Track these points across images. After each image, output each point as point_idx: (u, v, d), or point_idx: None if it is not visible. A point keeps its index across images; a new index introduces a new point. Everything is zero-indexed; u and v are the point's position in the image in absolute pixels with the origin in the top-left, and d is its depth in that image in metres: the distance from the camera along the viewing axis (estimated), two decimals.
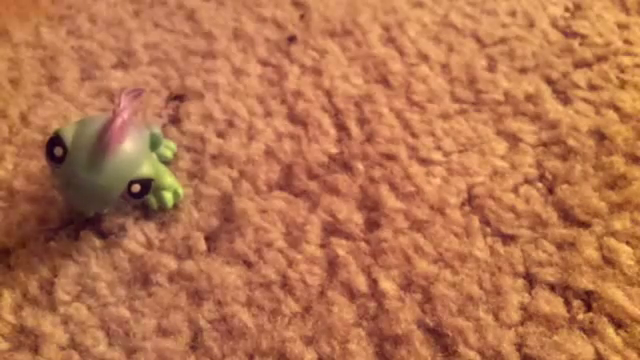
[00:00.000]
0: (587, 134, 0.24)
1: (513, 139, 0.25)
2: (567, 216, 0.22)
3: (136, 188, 0.19)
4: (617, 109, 0.25)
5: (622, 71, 0.27)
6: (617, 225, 0.21)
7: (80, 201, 0.19)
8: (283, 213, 0.22)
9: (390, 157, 0.24)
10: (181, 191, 0.22)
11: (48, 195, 0.23)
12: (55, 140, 0.19)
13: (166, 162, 0.24)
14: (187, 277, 0.20)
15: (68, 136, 0.19)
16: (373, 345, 0.19)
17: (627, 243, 0.21)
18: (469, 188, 0.23)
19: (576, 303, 0.19)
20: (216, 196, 0.23)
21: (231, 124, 0.25)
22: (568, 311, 0.19)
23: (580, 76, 0.27)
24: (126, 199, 0.19)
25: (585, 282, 0.20)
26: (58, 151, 0.19)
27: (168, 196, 0.22)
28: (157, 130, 0.23)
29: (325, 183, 0.23)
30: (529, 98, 0.26)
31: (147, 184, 0.19)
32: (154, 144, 0.23)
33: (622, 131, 0.24)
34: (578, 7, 0.30)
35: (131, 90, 0.23)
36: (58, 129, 0.19)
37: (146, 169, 0.19)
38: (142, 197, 0.20)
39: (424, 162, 0.24)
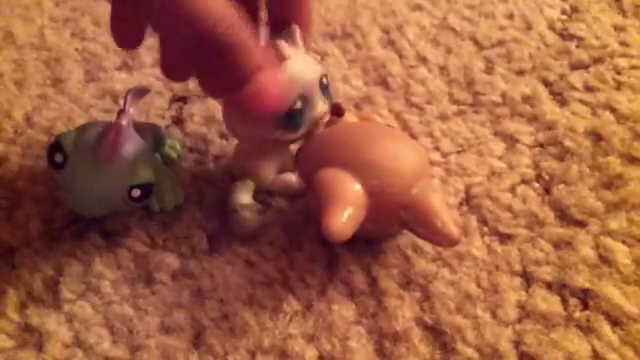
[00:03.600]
0: (583, 135, 0.25)
1: (510, 140, 0.25)
2: (564, 216, 0.22)
3: (136, 193, 0.19)
4: (613, 110, 0.26)
5: (618, 73, 0.27)
6: (613, 224, 0.21)
7: (80, 206, 0.20)
8: (284, 213, 0.22)
9: None
10: (183, 193, 0.23)
11: (52, 195, 0.23)
12: (55, 146, 0.19)
13: (170, 163, 0.24)
14: (190, 276, 0.21)
15: (68, 142, 0.19)
16: (373, 342, 0.19)
17: (623, 242, 0.21)
18: (467, 188, 0.23)
19: (573, 301, 0.19)
20: (218, 196, 0.23)
21: None
22: (565, 309, 0.19)
23: (577, 78, 0.27)
24: (127, 204, 0.20)
25: (582, 280, 0.20)
26: (58, 157, 0.19)
27: (170, 198, 0.22)
28: (161, 131, 0.24)
29: None
30: (526, 99, 0.26)
31: (147, 189, 0.20)
32: (158, 145, 0.23)
33: (618, 132, 0.24)
34: (575, 10, 0.31)
35: (136, 89, 0.23)
36: (59, 135, 0.20)
37: (146, 174, 0.20)
38: (142, 201, 0.20)
39: None
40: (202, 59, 0.17)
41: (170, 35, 0.17)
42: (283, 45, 0.19)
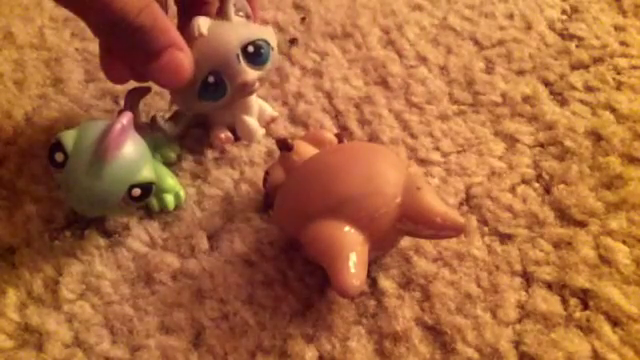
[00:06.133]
0: (584, 135, 0.25)
1: (510, 140, 0.25)
2: (564, 216, 0.22)
3: (137, 192, 0.19)
4: (613, 110, 0.26)
5: (618, 73, 0.27)
6: (613, 224, 0.21)
7: (81, 205, 0.20)
8: None
9: None
10: (183, 193, 0.23)
11: (52, 195, 0.23)
12: (56, 146, 0.19)
13: (170, 163, 0.24)
14: (190, 276, 0.21)
15: (69, 142, 0.19)
16: (373, 342, 0.19)
17: (623, 242, 0.21)
18: (467, 188, 0.23)
19: (573, 301, 0.19)
20: (218, 196, 0.23)
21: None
22: (565, 309, 0.19)
23: (577, 78, 0.27)
24: (127, 203, 0.20)
25: (582, 281, 0.20)
26: (59, 157, 0.19)
27: (169, 199, 0.22)
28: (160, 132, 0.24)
29: None
30: (526, 99, 0.26)
31: (148, 188, 0.20)
32: (157, 146, 0.23)
33: (618, 132, 0.25)
34: (575, 10, 0.31)
35: (136, 89, 0.23)
36: (59, 134, 0.20)
37: (146, 173, 0.20)
38: (143, 201, 0.20)
39: (423, 162, 0.24)
40: (118, 40, 0.19)
41: (89, 21, 0.19)
42: (195, 24, 0.21)
